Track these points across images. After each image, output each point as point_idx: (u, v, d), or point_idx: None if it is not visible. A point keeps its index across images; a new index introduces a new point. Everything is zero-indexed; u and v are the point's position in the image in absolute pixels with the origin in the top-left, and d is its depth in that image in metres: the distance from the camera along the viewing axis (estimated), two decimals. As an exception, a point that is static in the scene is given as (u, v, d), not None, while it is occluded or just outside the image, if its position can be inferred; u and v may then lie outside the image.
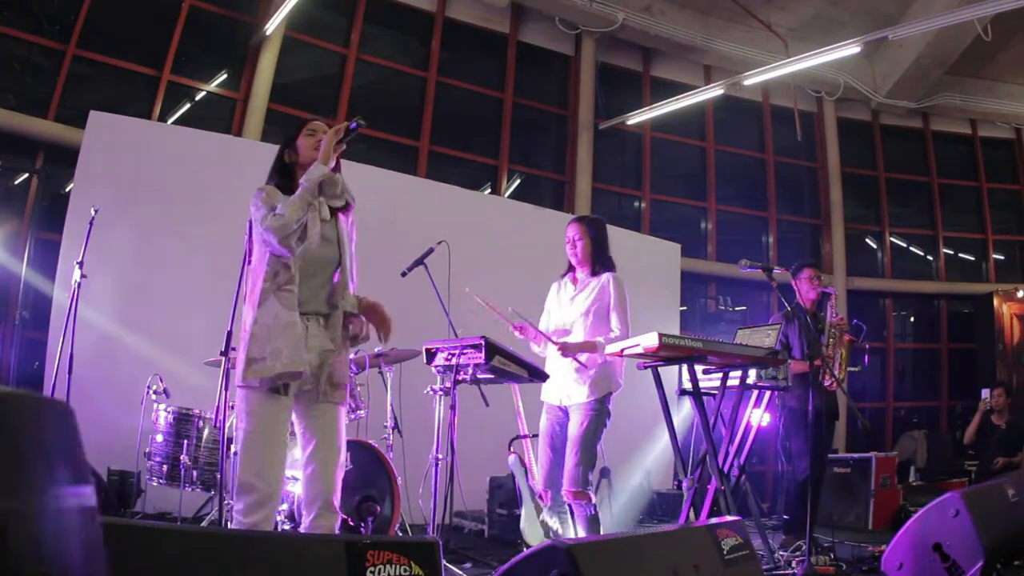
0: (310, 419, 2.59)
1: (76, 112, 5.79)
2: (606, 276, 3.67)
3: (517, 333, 3.62)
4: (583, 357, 3.54)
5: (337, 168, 2.69)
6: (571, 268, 3.81)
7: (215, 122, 6.77)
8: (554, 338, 3.63)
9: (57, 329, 4.41)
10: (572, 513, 3.56)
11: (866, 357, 8.48)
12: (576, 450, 3.48)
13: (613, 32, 8.43)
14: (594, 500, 3.53)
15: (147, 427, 4.28)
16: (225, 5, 6.96)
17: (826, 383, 4.42)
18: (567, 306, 3.74)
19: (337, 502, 2.58)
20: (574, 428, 3.53)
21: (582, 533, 3.49)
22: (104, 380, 5.01)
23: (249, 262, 2.67)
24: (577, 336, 3.65)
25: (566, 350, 3.54)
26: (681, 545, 2.37)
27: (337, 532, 2.58)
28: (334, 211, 2.70)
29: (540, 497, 3.71)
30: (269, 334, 2.47)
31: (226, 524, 3.46)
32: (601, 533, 3.57)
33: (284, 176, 2.69)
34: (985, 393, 7.15)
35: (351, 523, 3.69)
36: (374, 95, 7.89)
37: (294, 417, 2.63)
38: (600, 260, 3.73)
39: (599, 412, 3.53)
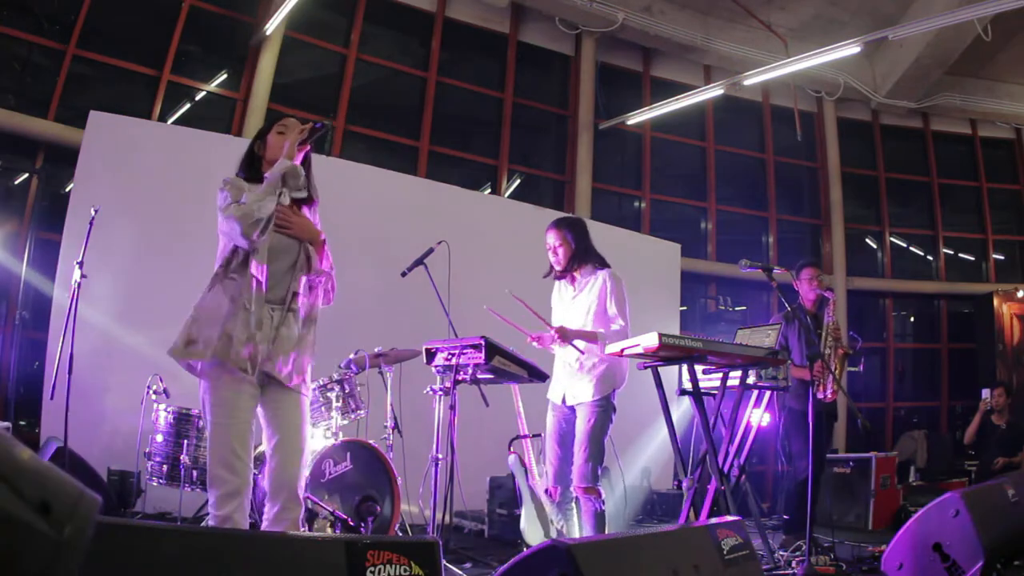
0: (273, 412, 2.60)
1: (76, 112, 5.79)
2: (602, 274, 3.68)
3: (536, 344, 3.63)
4: (581, 344, 3.55)
5: (306, 164, 2.74)
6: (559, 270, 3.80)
7: (215, 122, 6.77)
8: (551, 323, 3.64)
9: (57, 329, 4.41)
10: (580, 508, 3.58)
11: (861, 364, 8.47)
12: (585, 447, 3.51)
13: (613, 32, 8.43)
14: (603, 496, 3.55)
15: (147, 427, 4.27)
16: (225, 5, 6.96)
17: (820, 394, 4.40)
18: (569, 307, 3.76)
19: (301, 492, 2.61)
20: (581, 425, 3.56)
21: (588, 528, 3.51)
22: (104, 380, 5.02)
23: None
24: None
25: (564, 336, 3.54)
26: (681, 545, 2.37)
27: (302, 524, 2.61)
28: (298, 203, 2.73)
29: (549, 493, 3.73)
30: (209, 319, 2.51)
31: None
32: (606, 531, 3.59)
33: (251, 169, 2.73)
34: (986, 393, 7.15)
35: (351, 523, 3.69)
36: (374, 95, 7.89)
37: (259, 408, 2.63)
38: (588, 259, 3.72)
39: (605, 408, 3.57)
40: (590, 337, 3.57)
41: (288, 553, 1.69)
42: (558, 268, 3.74)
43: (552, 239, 3.74)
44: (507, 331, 3.69)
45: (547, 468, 3.74)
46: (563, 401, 3.68)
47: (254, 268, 2.54)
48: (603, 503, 3.55)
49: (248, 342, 2.50)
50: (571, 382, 3.64)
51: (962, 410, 9.73)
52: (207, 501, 4.34)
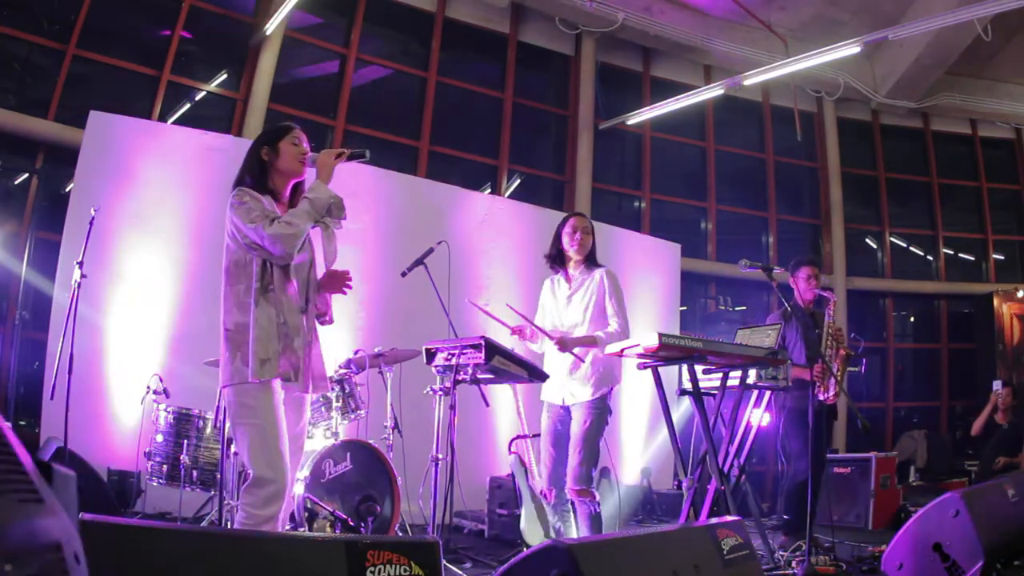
0: (285, 414, 2.63)
1: (76, 112, 5.78)
2: (599, 272, 3.72)
3: (516, 337, 3.64)
4: (579, 351, 3.56)
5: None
6: (558, 264, 3.84)
7: (215, 122, 6.77)
8: (551, 333, 3.64)
9: (57, 329, 4.41)
10: (575, 511, 3.58)
11: (863, 365, 8.46)
12: (579, 448, 3.51)
13: (613, 32, 8.43)
14: (598, 498, 3.55)
15: (147, 427, 4.28)
16: (225, 5, 6.96)
17: (821, 396, 4.38)
18: (564, 305, 3.76)
19: (293, 489, 2.68)
20: (576, 427, 3.55)
21: (585, 531, 3.50)
22: (104, 380, 5.01)
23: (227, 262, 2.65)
24: (579, 335, 3.66)
25: (564, 346, 3.55)
26: (681, 545, 2.37)
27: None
28: None
29: (544, 495, 3.72)
30: (268, 336, 2.54)
31: (226, 524, 3.46)
32: (602, 532, 3.58)
33: (259, 174, 2.68)
34: (997, 384, 7.14)
35: (351, 523, 3.69)
36: (374, 95, 7.89)
37: None
38: (594, 257, 3.82)
39: (601, 410, 3.56)
40: (589, 343, 3.58)
41: (288, 553, 1.70)
42: (573, 250, 3.77)
43: (583, 222, 3.84)
44: (506, 330, 3.69)
45: (542, 469, 3.74)
46: (561, 402, 3.67)
47: (290, 279, 2.61)
48: (598, 505, 3.54)
49: (295, 351, 2.58)
50: (567, 382, 3.64)
51: (962, 410, 9.73)
52: (207, 501, 4.37)
